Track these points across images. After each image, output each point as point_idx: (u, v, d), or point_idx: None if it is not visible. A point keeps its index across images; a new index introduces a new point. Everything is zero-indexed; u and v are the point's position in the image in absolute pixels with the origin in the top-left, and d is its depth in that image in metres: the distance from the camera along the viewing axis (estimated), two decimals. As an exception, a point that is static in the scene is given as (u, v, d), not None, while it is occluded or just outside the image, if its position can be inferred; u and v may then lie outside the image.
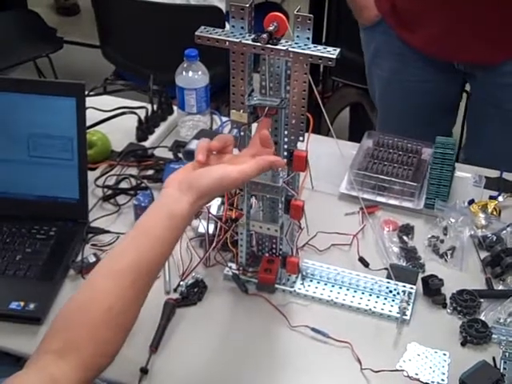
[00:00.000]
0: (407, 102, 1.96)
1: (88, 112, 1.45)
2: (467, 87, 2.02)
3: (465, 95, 2.09)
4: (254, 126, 1.20)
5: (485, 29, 1.71)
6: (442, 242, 1.44)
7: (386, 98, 2.03)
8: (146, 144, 1.70)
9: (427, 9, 1.76)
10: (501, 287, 1.35)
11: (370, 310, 1.29)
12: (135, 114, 1.73)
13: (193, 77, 1.70)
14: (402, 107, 1.98)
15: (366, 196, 1.52)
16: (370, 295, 1.32)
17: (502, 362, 1.20)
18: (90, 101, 1.51)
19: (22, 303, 1.28)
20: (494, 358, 1.20)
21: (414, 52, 1.84)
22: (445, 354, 1.21)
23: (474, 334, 1.23)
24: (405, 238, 1.45)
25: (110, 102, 1.78)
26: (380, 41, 1.92)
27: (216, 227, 1.35)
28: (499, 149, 1.88)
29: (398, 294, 1.30)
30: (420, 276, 1.34)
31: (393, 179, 1.54)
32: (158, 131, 1.75)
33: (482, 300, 1.30)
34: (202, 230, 1.38)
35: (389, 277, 1.32)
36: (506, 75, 1.79)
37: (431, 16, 1.76)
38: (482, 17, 1.69)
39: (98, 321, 0.94)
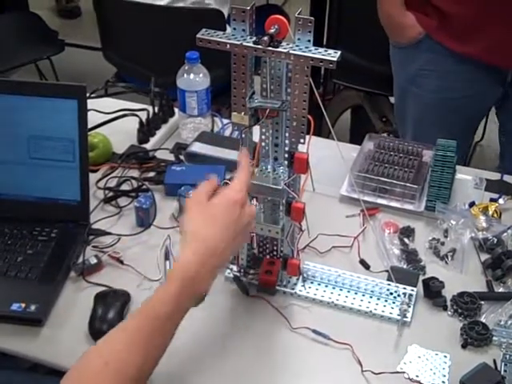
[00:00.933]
0: (445, 118, 1.90)
1: (89, 114, 1.45)
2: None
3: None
4: (255, 128, 1.20)
5: None
6: (443, 244, 1.44)
7: (424, 115, 1.96)
8: (148, 146, 1.71)
9: (487, 16, 1.71)
10: (501, 289, 1.34)
11: (371, 312, 1.29)
12: (136, 116, 1.73)
13: (194, 79, 1.70)
14: (439, 124, 1.92)
15: (366, 198, 1.53)
16: (371, 297, 1.32)
17: (503, 364, 1.19)
18: (91, 103, 1.51)
19: (23, 305, 1.27)
20: (494, 361, 1.20)
21: (462, 68, 1.80)
22: (445, 356, 1.21)
23: (475, 336, 1.23)
24: (405, 240, 1.45)
25: (111, 104, 1.79)
26: (425, 59, 1.86)
27: (217, 229, 1.35)
28: None
29: (399, 296, 1.30)
30: (421, 278, 1.34)
31: (394, 181, 1.54)
32: (160, 133, 1.75)
33: (482, 302, 1.30)
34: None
35: (389, 279, 1.32)
36: None
37: (491, 23, 1.71)
38: None
39: None
